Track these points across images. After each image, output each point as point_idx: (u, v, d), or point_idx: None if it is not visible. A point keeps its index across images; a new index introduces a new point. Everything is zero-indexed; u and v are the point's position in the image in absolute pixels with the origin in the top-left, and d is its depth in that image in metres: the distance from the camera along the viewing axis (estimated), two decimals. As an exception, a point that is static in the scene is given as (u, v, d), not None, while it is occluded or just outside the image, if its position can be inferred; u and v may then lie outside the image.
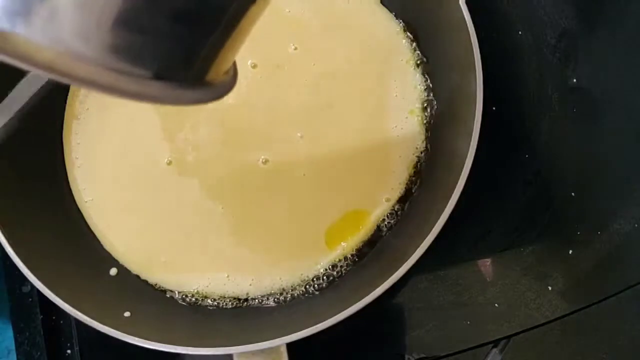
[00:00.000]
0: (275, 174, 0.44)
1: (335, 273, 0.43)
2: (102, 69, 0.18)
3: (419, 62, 0.46)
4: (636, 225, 0.46)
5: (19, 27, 0.17)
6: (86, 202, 0.44)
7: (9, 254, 0.35)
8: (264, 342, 0.33)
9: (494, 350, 0.43)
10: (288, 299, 0.42)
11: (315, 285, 0.43)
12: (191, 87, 0.21)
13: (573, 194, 0.46)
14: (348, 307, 0.34)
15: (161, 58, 0.20)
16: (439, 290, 0.45)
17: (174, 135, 0.45)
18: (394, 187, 0.44)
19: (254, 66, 0.45)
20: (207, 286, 0.43)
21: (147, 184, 0.44)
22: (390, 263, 0.36)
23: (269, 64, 0.46)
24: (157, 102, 0.20)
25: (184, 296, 0.42)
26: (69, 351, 0.44)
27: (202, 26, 0.20)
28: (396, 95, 0.46)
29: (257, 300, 0.43)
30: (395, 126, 0.45)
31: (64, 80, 0.18)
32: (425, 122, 0.45)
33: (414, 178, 0.44)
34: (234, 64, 0.24)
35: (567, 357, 0.45)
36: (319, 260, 0.43)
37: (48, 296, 0.35)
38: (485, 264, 0.45)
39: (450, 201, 0.35)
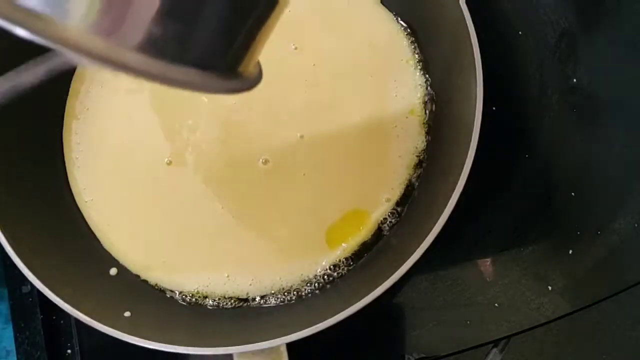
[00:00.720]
0: (275, 174, 0.44)
1: (335, 273, 0.43)
2: (144, 58, 0.19)
3: (419, 62, 0.46)
4: (636, 225, 0.46)
5: (62, 13, 0.18)
6: (86, 202, 0.44)
7: (9, 254, 0.35)
8: (264, 342, 0.33)
9: (494, 350, 0.43)
10: (288, 299, 0.42)
11: (315, 285, 0.43)
12: (224, 76, 0.22)
13: (573, 194, 0.46)
14: (348, 307, 0.34)
15: (198, 47, 0.21)
16: (439, 290, 0.45)
17: (174, 135, 0.45)
18: (394, 187, 0.44)
19: (254, 66, 0.45)
20: (207, 286, 0.43)
21: (147, 184, 0.44)
22: (390, 263, 0.36)
23: (269, 64, 0.46)
24: (190, 89, 0.21)
25: (184, 296, 0.42)
26: (69, 351, 0.44)
27: (236, 17, 0.21)
28: (396, 95, 0.46)
29: (257, 300, 0.43)
30: (395, 126, 0.45)
31: (102, 67, 0.18)
32: (425, 122, 0.45)
33: (414, 178, 0.44)
34: (259, 62, 0.26)
35: (567, 357, 0.45)
36: (319, 260, 0.43)
37: (48, 296, 0.35)
38: (485, 264, 0.45)
39: (450, 201, 0.35)
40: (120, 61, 0.19)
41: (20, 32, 0.17)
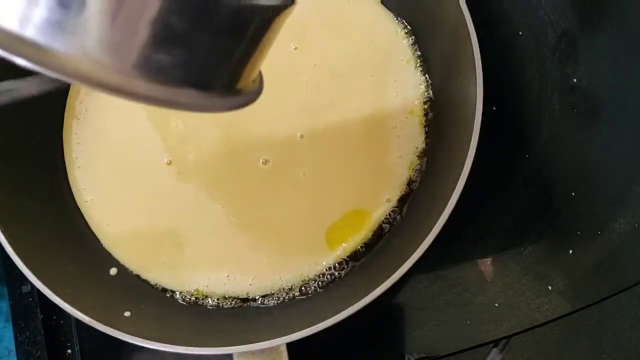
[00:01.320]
0: (275, 174, 0.44)
1: (335, 273, 0.43)
2: (142, 82, 0.19)
3: (419, 62, 0.46)
4: (636, 225, 0.46)
5: (60, 42, 0.18)
6: (86, 202, 0.44)
7: (9, 253, 0.35)
8: (264, 342, 0.33)
9: (494, 350, 0.43)
10: (288, 299, 0.42)
11: (316, 285, 0.43)
12: (223, 95, 0.22)
13: (573, 194, 0.46)
14: (348, 307, 0.34)
15: (196, 68, 0.21)
16: (439, 290, 0.45)
17: (174, 135, 0.45)
18: (395, 187, 0.44)
19: (254, 66, 0.45)
20: (207, 286, 0.43)
21: (147, 184, 0.44)
22: (390, 263, 0.36)
23: (269, 64, 0.46)
24: (190, 110, 0.21)
25: (184, 296, 0.43)
26: (69, 351, 0.44)
27: (232, 38, 0.21)
28: (396, 95, 0.46)
29: (257, 300, 0.43)
30: (395, 126, 0.45)
31: (101, 92, 0.19)
32: (425, 122, 0.45)
33: (414, 178, 0.44)
34: (260, 73, 0.26)
35: (567, 357, 0.45)
36: (320, 260, 0.43)
37: (48, 296, 0.35)
38: (485, 264, 0.45)
39: (450, 201, 0.35)
40: (119, 87, 0.19)
41: (21, 61, 0.17)
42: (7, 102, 0.22)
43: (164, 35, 0.19)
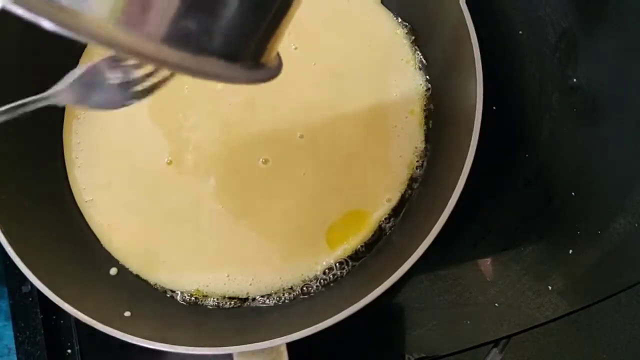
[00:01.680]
0: (275, 174, 0.44)
1: (336, 273, 0.43)
2: (170, 49, 0.19)
3: (419, 62, 0.46)
4: (636, 225, 0.46)
5: (91, 7, 0.18)
6: (86, 202, 0.44)
7: (9, 253, 0.35)
8: (264, 342, 0.33)
9: (494, 350, 0.43)
10: (288, 299, 0.42)
11: (316, 285, 0.43)
12: (249, 67, 0.23)
13: (573, 194, 0.46)
14: (348, 307, 0.34)
15: (225, 38, 0.21)
16: (439, 290, 0.45)
17: (174, 135, 0.45)
18: (395, 187, 0.44)
19: (254, 66, 0.45)
20: (207, 286, 0.43)
21: (147, 184, 0.44)
22: (391, 263, 0.36)
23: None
24: (216, 80, 0.22)
25: (184, 296, 0.43)
26: (69, 351, 0.44)
27: (261, 10, 0.22)
28: (396, 95, 0.46)
29: (257, 300, 0.43)
30: (395, 126, 0.45)
31: (129, 57, 0.19)
32: (425, 122, 0.45)
33: (414, 178, 0.44)
34: (278, 53, 0.26)
35: (567, 357, 0.45)
36: (320, 260, 0.43)
37: (48, 296, 0.35)
38: (485, 264, 0.45)
39: (450, 201, 0.35)
40: (149, 54, 0.19)
41: (47, 24, 0.17)
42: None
43: (195, 4, 0.19)
